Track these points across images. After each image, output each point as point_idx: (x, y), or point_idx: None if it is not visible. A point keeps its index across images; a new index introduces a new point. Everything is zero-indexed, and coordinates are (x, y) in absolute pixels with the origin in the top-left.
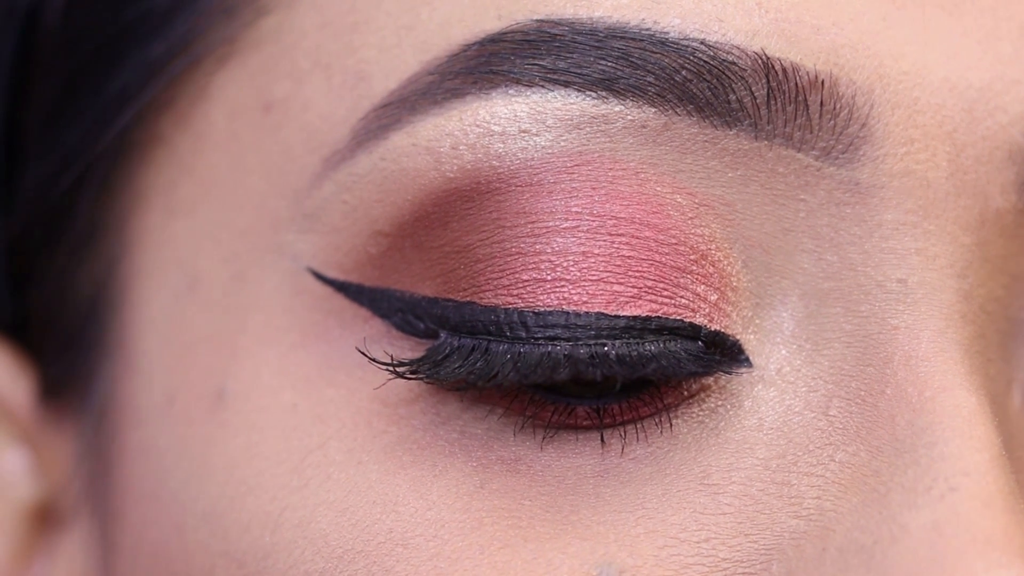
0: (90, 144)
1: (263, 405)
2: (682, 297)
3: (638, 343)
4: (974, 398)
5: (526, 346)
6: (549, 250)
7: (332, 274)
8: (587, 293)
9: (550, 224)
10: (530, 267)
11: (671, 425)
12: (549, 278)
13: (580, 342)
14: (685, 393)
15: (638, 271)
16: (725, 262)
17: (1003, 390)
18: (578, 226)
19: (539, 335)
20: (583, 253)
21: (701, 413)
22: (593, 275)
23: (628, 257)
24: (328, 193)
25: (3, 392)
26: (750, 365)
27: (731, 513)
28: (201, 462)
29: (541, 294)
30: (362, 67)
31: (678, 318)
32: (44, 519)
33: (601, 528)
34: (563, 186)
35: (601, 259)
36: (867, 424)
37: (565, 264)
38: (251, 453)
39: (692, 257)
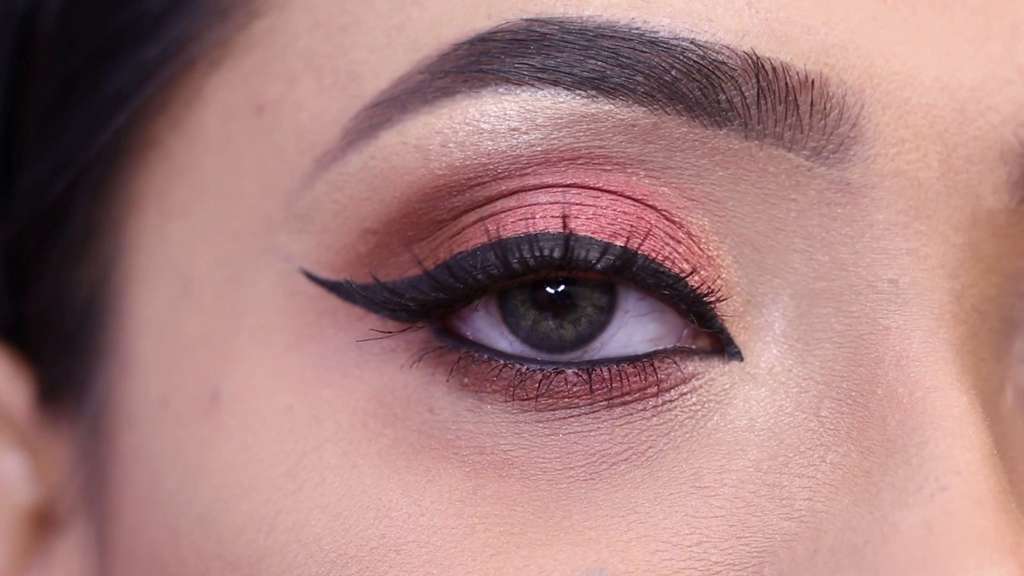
0: (85, 147)
1: (258, 407)
2: (675, 253)
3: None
4: (965, 398)
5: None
6: (538, 228)
7: (324, 274)
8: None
9: (539, 212)
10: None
11: (663, 423)
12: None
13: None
14: (674, 394)
15: (627, 229)
16: (715, 253)
17: (995, 389)
18: (568, 215)
19: (527, 252)
20: (571, 229)
21: (692, 408)
22: (583, 228)
23: (615, 221)
24: (319, 193)
25: (0, 396)
26: (741, 359)
27: (723, 516)
28: (195, 465)
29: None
30: (353, 67)
31: (669, 266)
32: (41, 523)
33: (593, 533)
34: (550, 180)
35: (591, 222)
36: (858, 424)
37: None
38: (246, 456)
39: (682, 235)
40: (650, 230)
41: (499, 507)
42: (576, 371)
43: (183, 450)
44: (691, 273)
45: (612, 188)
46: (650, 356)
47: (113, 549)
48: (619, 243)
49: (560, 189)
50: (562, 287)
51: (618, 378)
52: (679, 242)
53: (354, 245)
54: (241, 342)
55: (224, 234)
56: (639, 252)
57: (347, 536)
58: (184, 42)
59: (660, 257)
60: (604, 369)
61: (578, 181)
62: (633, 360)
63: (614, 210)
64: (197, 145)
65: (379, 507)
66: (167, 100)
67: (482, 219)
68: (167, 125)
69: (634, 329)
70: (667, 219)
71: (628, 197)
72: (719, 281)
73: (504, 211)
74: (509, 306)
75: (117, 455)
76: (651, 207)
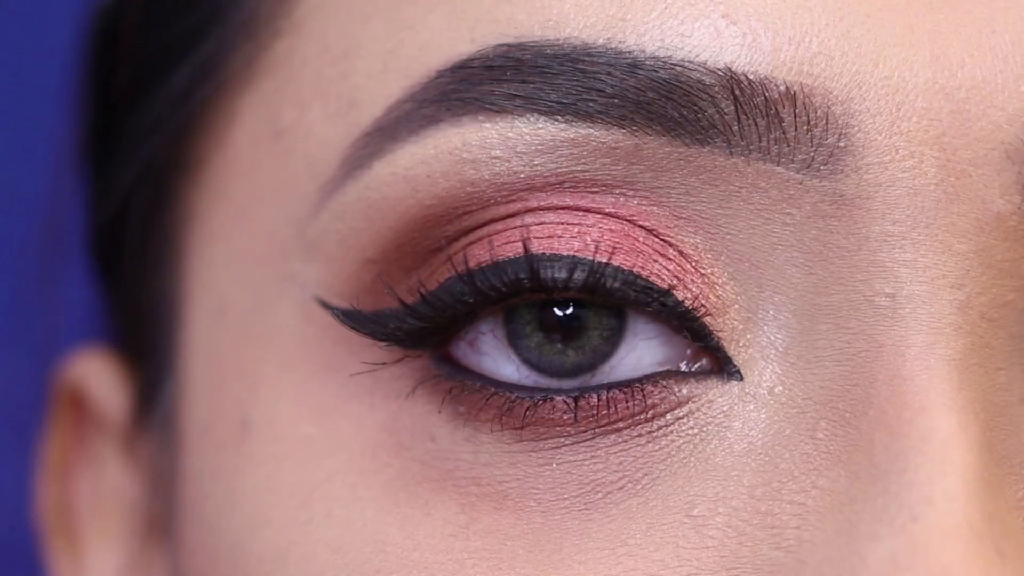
0: (131, 166)
1: (282, 436)
2: (664, 270)
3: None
4: (954, 419)
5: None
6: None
7: (336, 302)
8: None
9: (524, 234)
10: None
11: (658, 449)
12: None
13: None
14: (670, 418)
15: (612, 247)
16: (709, 270)
17: (1018, 398)
18: (553, 234)
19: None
20: (557, 250)
21: (691, 431)
22: (566, 248)
23: (600, 239)
24: (324, 222)
25: (108, 406)
26: (740, 378)
27: (714, 547)
28: (229, 492)
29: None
30: (353, 94)
31: (656, 281)
32: (151, 530)
33: (582, 568)
34: (534, 203)
35: (575, 242)
36: (849, 448)
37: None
38: (270, 485)
39: (672, 253)
40: (636, 247)
41: (490, 541)
42: (565, 399)
43: (219, 476)
44: (676, 287)
45: (600, 209)
46: (640, 381)
47: (178, 567)
48: (587, 256)
49: (549, 210)
50: (571, 309)
51: (606, 405)
52: (669, 259)
53: (359, 274)
54: (268, 369)
55: (251, 259)
56: (609, 263)
57: (346, 570)
58: (218, 61)
59: (646, 272)
60: (592, 396)
61: (564, 203)
62: (623, 386)
63: (600, 228)
64: (232, 167)
65: (376, 541)
66: (209, 120)
67: (469, 244)
68: (211, 145)
69: (643, 353)
70: (656, 236)
71: (616, 216)
72: (712, 298)
73: (475, 241)
74: (515, 329)
75: (178, 473)
76: (640, 226)
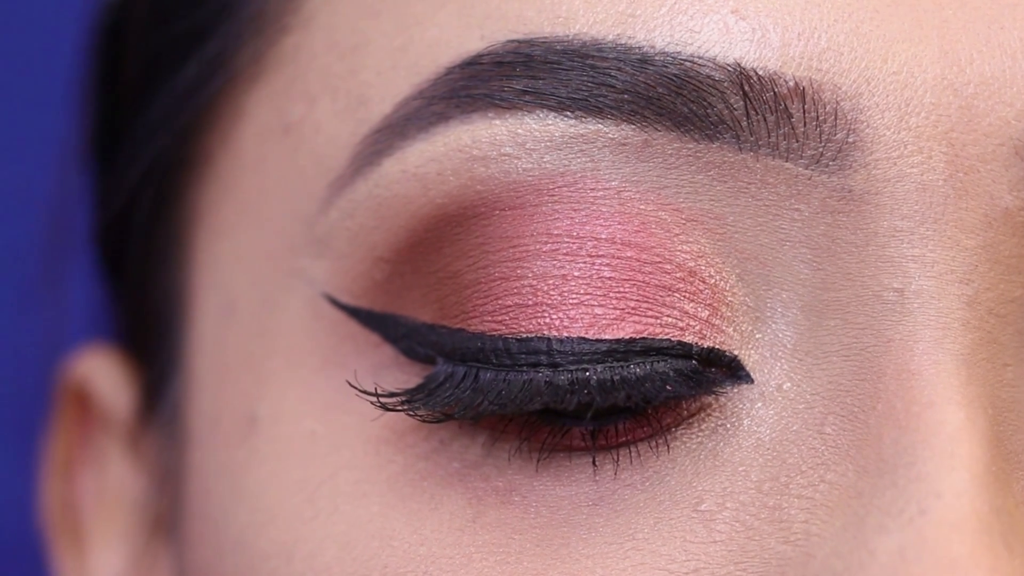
0: (139, 162)
1: (287, 432)
2: (668, 316)
3: (622, 366)
4: (962, 413)
5: (511, 373)
6: (530, 274)
7: (344, 299)
8: (568, 317)
9: (531, 248)
10: (512, 292)
11: (668, 448)
12: (530, 303)
13: (560, 368)
14: (684, 413)
15: (619, 292)
16: (717, 277)
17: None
18: (558, 249)
19: (522, 362)
20: (562, 276)
21: (700, 434)
22: (573, 299)
23: (608, 278)
24: (334, 219)
25: (113, 403)
26: (751, 381)
27: (722, 541)
28: (236, 487)
29: (523, 319)
30: (362, 91)
31: (665, 337)
32: (156, 528)
33: (589, 562)
34: (544, 209)
35: (581, 281)
36: (857, 442)
37: (545, 288)
38: (275, 481)
39: (679, 275)
40: (644, 295)
41: (498, 535)
42: (582, 430)
43: (226, 472)
44: (686, 331)
45: (603, 225)
46: (656, 408)
47: (184, 564)
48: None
49: (549, 240)
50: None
51: (624, 433)
52: (680, 295)
53: (369, 273)
54: (274, 365)
55: (259, 255)
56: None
57: (353, 566)
58: (225, 57)
59: (659, 343)
60: (610, 428)
61: (567, 229)
62: (638, 414)
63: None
64: (239, 163)
65: (383, 536)
66: (217, 116)
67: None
68: (218, 141)
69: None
70: (661, 268)
71: (622, 243)
72: (722, 335)
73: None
74: None
75: (183, 469)
76: (647, 250)
